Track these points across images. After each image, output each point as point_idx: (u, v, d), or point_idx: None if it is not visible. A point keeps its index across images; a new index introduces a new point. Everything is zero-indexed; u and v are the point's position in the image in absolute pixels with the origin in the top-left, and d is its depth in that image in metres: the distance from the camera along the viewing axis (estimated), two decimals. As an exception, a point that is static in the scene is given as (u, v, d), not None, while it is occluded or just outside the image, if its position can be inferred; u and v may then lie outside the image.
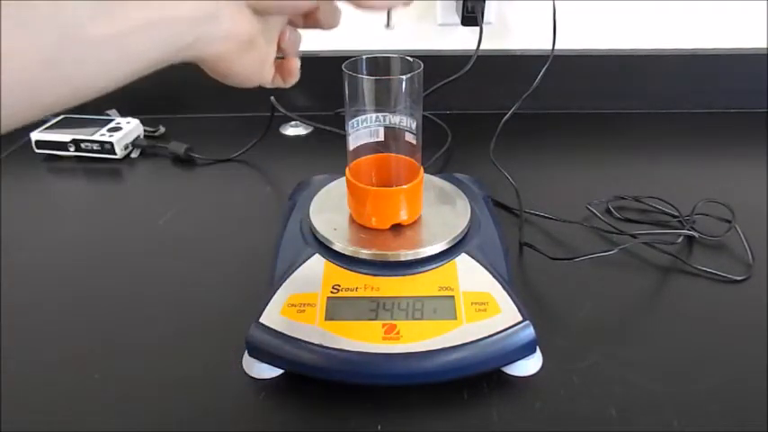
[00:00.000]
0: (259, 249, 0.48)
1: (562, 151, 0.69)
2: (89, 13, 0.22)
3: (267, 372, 0.38)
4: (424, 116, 0.43)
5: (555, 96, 0.76)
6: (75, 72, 0.23)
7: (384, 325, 0.37)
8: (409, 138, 0.42)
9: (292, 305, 0.38)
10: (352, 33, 0.74)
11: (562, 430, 0.35)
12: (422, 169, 0.44)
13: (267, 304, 0.38)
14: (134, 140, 0.69)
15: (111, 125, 0.69)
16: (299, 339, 0.37)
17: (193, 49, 0.27)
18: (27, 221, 0.57)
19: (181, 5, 0.25)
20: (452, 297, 0.39)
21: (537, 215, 0.55)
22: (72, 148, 0.67)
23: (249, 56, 0.31)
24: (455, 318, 0.38)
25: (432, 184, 0.48)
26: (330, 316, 0.38)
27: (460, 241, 0.43)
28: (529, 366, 0.39)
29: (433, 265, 0.41)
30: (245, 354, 0.39)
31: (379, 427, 0.35)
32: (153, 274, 0.49)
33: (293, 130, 0.74)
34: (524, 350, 0.37)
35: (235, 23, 0.29)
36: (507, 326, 0.37)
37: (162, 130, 0.73)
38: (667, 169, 0.64)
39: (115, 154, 0.67)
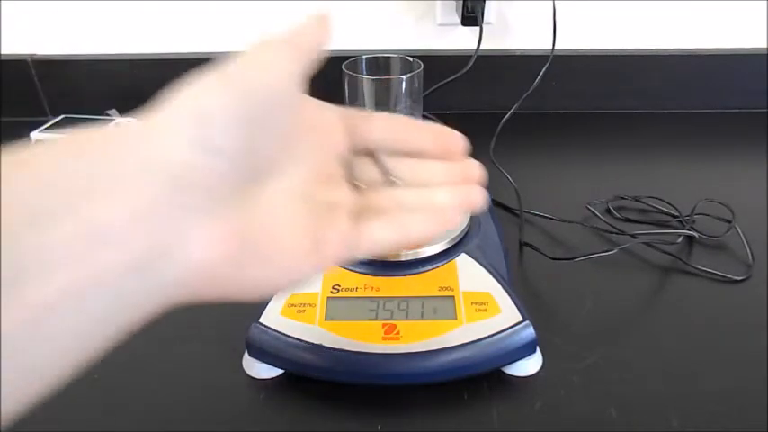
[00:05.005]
0: (259, 249, 0.48)
1: (562, 151, 0.69)
2: None
3: (267, 372, 0.38)
4: (424, 116, 0.43)
5: (555, 96, 0.76)
6: None
7: (384, 325, 0.37)
8: (409, 138, 0.42)
9: (292, 305, 0.38)
10: (353, 33, 0.74)
11: (562, 430, 0.35)
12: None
13: (267, 304, 0.38)
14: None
15: (111, 125, 0.69)
16: (299, 339, 0.37)
17: (157, 297, 0.19)
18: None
19: (104, 257, 0.17)
20: (452, 297, 0.39)
21: (537, 215, 0.55)
22: (72, 148, 0.67)
23: (261, 259, 0.22)
24: (455, 318, 0.38)
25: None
26: (330, 316, 0.38)
27: (460, 241, 0.43)
28: (529, 366, 0.39)
29: (433, 265, 0.41)
30: (245, 354, 0.39)
31: (379, 427, 0.35)
32: (153, 274, 0.49)
33: (293, 130, 0.74)
34: (524, 350, 0.37)
35: (201, 247, 0.20)
36: (507, 326, 0.37)
37: (162, 130, 0.73)
38: (667, 169, 0.64)
39: (115, 154, 0.67)
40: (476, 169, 0.28)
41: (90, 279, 0.17)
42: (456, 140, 0.28)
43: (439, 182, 0.27)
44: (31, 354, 0.16)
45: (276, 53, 0.23)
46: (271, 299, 0.39)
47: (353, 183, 0.27)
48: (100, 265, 0.17)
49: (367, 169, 0.28)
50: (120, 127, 0.20)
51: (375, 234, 0.25)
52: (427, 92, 0.69)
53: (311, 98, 0.26)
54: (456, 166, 0.28)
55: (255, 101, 0.21)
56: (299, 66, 0.23)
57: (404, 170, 0.28)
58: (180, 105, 0.20)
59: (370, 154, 0.28)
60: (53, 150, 0.18)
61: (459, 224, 0.26)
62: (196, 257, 0.19)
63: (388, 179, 0.27)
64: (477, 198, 0.27)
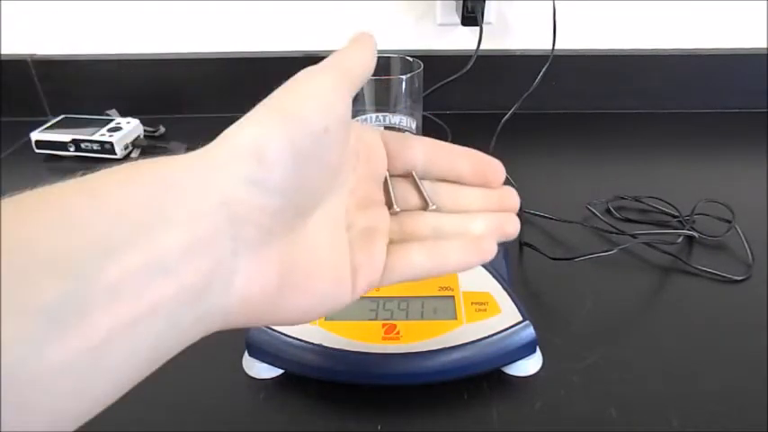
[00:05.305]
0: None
1: (562, 151, 0.69)
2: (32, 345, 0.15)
3: (267, 372, 0.38)
4: (424, 116, 0.43)
5: (555, 96, 0.76)
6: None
7: (384, 325, 0.37)
8: (409, 138, 0.42)
9: (292, 305, 0.38)
10: (353, 33, 0.74)
11: (562, 430, 0.35)
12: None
13: (267, 304, 0.38)
14: (134, 140, 0.69)
15: (111, 125, 0.69)
16: (299, 339, 0.37)
17: (202, 325, 0.20)
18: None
19: (162, 286, 0.18)
20: (452, 297, 0.39)
21: (537, 215, 0.55)
22: (72, 148, 0.67)
23: (302, 288, 0.23)
24: (455, 318, 0.38)
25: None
26: (330, 316, 0.38)
27: (460, 241, 0.43)
28: (529, 366, 0.39)
29: (433, 265, 0.41)
30: (245, 354, 0.39)
31: (379, 427, 0.35)
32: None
33: (293, 130, 0.74)
34: (524, 350, 0.37)
35: (248, 276, 0.20)
36: (507, 326, 0.37)
37: (162, 130, 0.73)
38: (667, 169, 0.64)
39: (115, 154, 0.67)
40: (513, 197, 0.28)
41: (148, 309, 0.17)
42: (495, 168, 0.28)
43: (476, 208, 0.27)
44: (89, 380, 0.17)
45: (323, 82, 0.22)
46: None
47: (391, 206, 0.27)
48: (158, 295, 0.18)
49: (404, 193, 0.28)
50: (179, 158, 0.20)
51: (412, 260, 0.26)
52: (427, 92, 0.69)
53: (354, 121, 0.26)
54: (493, 193, 0.28)
55: (308, 136, 0.21)
56: (346, 93, 0.23)
57: (441, 195, 0.28)
58: (237, 141, 0.21)
59: (408, 177, 0.28)
60: (119, 179, 0.19)
61: (494, 254, 0.26)
62: (242, 289, 0.20)
63: (426, 204, 0.27)
64: (513, 227, 0.27)
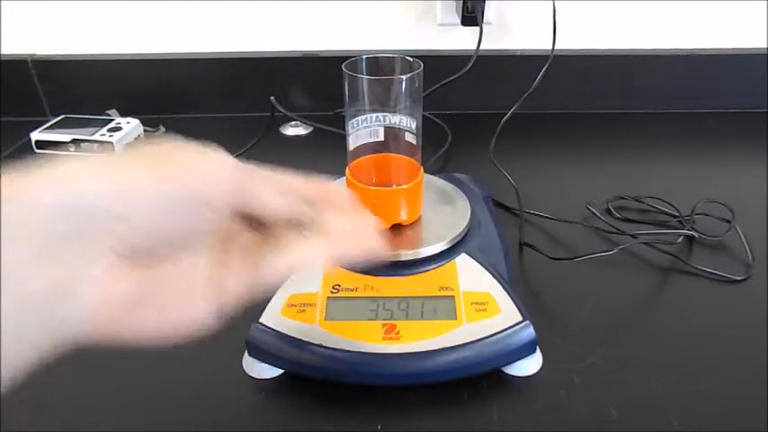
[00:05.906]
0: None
1: (562, 151, 0.69)
2: None
3: (267, 372, 0.38)
4: (424, 116, 0.43)
5: (555, 96, 0.76)
6: None
7: (384, 325, 0.37)
8: (409, 138, 0.42)
9: (292, 305, 0.38)
10: (352, 33, 0.74)
11: (562, 430, 0.35)
12: (422, 169, 0.44)
13: (267, 304, 0.38)
14: (134, 140, 0.69)
15: (111, 125, 0.69)
16: (299, 339, 0.37)
17: (51, 342, 0.20)
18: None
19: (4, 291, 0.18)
20: (452, 297, 0.39)
21: (537, 215, 0.55)
22: (72, 148, 0.67)
23: (153, 308, 0.22)
24: (455, 318, 0.38)
25: (432, 184, 0.48)
26: (330, 316, 0.38)
27: (460, 241, 0.43)
28: (529, 366, 0.39)
29: (433, 265, 0.41)
30: (245, 354, 0.39)
31: (379, 427, 0.35)
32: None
33: (293, 130, 0.74)
34: (524, 350, 0.37)
35: (101, 290, 0.20)
36: (507, 326, 0.37)
37: (162, 130, 0.73)
38: (667, 169, 0.64)
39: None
40: (372, 220, 0.29)
41: None
42: (339, 193, 0.29)
43: (338, 223, 0.28)
44: None
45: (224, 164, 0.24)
46: (270, 299, 0.39)
47: (258, 224, 0.27)
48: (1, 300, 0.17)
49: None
50: (46, 171, 0.20)
51: (274, 265, 0.26)
52: (427, 92, 0.69)
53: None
54: (355, 215, 0.29)
55: (186, 207, 0.22)
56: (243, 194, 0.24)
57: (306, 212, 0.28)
58: (111, 169, 0.21)
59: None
60: None
61: (354, 256, 0.28)
62: (92, 302, 0.20)
63: (292, 220, 0.28)
64: (372, 240, 0.29)
